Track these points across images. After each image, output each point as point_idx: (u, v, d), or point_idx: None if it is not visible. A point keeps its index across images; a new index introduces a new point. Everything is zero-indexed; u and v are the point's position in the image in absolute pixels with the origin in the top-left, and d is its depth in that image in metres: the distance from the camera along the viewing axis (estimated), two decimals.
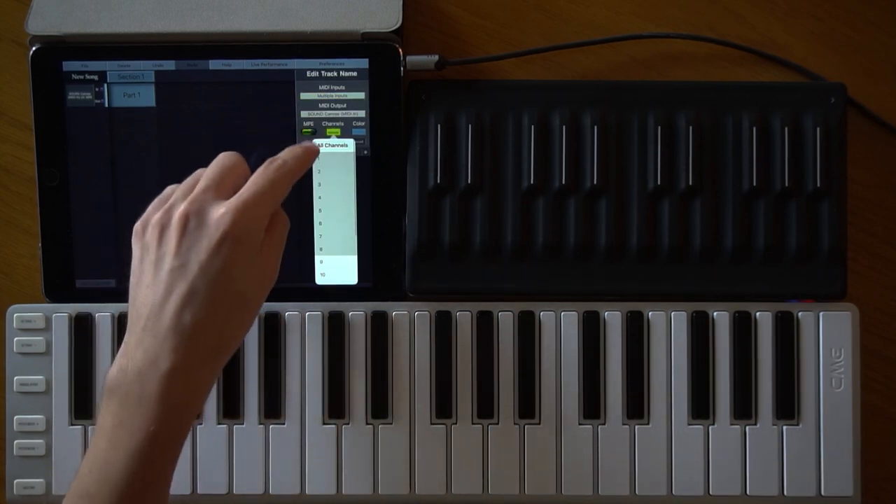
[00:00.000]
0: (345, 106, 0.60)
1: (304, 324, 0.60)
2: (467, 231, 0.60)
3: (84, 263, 0.60)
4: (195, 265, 0.48)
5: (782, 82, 0.62)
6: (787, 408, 0.59)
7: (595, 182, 0.59)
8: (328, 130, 0.60)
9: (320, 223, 0.60)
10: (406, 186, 0.60)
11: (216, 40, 0.59)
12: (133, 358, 0.47)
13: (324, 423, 0.59)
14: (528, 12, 0.63)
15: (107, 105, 0.60)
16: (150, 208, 0.51)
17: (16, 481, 0.59)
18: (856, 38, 0.62)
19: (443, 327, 0.59)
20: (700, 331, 0.59)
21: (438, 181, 0.59)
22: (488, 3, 0.63)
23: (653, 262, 0.60)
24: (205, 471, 0.59)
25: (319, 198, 0.60)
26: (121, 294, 0.54)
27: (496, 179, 0.60)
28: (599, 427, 0.59)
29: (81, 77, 0.59)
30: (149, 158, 0.60)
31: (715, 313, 0.60)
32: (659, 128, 0.59)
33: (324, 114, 0.60)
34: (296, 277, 0.60)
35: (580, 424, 0.59)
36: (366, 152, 0.60)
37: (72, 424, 0.59)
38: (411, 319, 0.60)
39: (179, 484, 0.59)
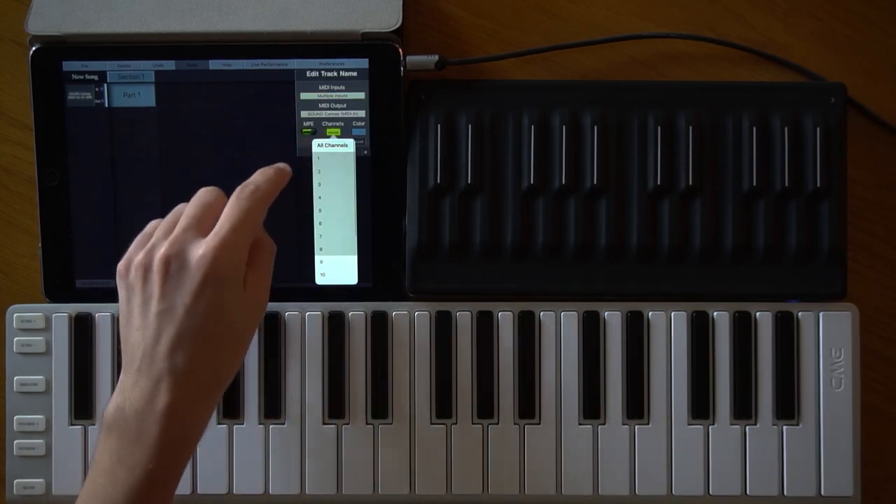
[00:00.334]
0: (345, 106, 0.60)
1: (304, 324, 0.60)
2: (467, 231, 0.60)
3: (84, 263, 0.60)
4: (181, 308, 0.48)
5: (782, 82, 0.62)
6: (787, 408, 0.59)
7: (595, 182, 0.59)
8: (328, 130, 0.60)
9: (320, 223, 0.60)
10: (406, 186, 0.60)
11: (216, 40, 0.59)
12: (130, 398, 0.48)
13: (324, 423, 0.59)
14: (528, 12, 0.63)
15: (107, 105, 0.60)
16: (132, 247, 0.52)
17: (16, 481, 0.59)
18: (856, 38, 0.62)
19: (443, 327, 0.59)
20: (700, 331, 0.59)
21: (438, 181, 0.59)
22: (488, 3, 0.63)
23: (653, 262, 0.59)
24: (205, 471, 0.59)
25: (319, 198, 0.60)
26: None
27: (496, 179, 0.60)
28: (599, 427, 0.59)
29: (81, 77, 0.59)
30: (149, 158, 0.60)
31: (715, 313, 0.60)
32: (659, 128, 0.59)
33: (324, 114, 0.60)
34: (296, 277, 0.60)
35: (580, 424, 0.59)
36: (366, 152, 0.60)
37: (72, 424, 0.59)
38: (411, 319, 0.60)
39: (180, 484, 0.58)
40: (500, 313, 0.60)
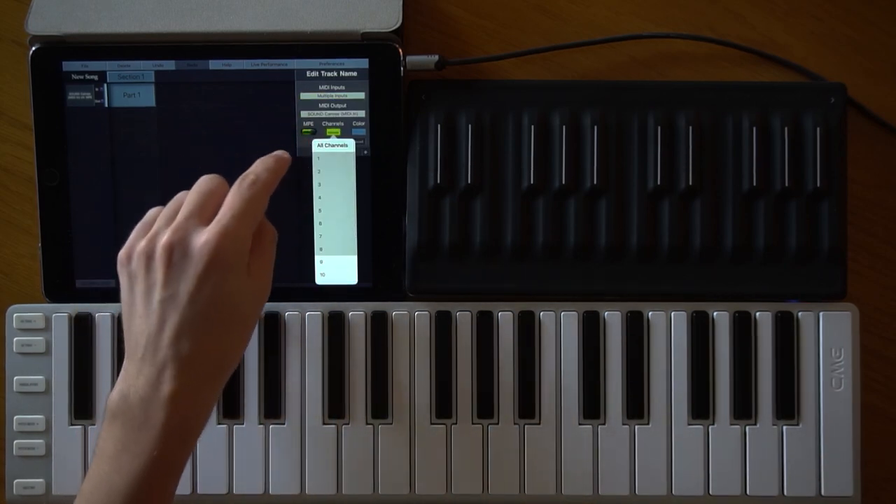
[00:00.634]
0: (345, 106, 0.60)
1: (304, 324, 0.60)
2: (467, 231, 0.60)
3: (84, 263, 0.60)
4: (184, 295, 0.48)
5: (782, 82, 0.62)
6: (787, 408, 0.59)
7: (595, 182, 0.59)
8: (328, 130, 0.60)
9: (320, 223, 0.60)
10: (406, 186, 0.60)
11: (216, 40, 0.59)
12: (134, 385, 0.48)
13: (324, 423, 0.59)
14: (528, 12, 0.63)
15: (107, 105, 0.60)
16: (133, 235, 0.51)
17: (16, 481, 0.59)
18: (856, 38, 0.62)
19: (443, 327, 0.59)
20: (700, 331, 0.59)
21: (438, 181, 0.59)
22: (488, 3, 0.63)
23: (653, 262, 0.59)
24: (205, 471, 0.59)
25: (319, 198, 0.60)
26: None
27: (496, 179, 0.60)
28: (599, 427, 0.59)
29: (81, 77, 0.59)
30: (149, 158, 0.60)
31: (715, 313, 0.60)
32: (659, 128, 0.59)
33: (324, 114, 0.60)
34: (296, 277, 0.60)
35: (580, 424, 0.59)
36: (366, 152, 0.60)
37: (72, 424, 0.59)
38: (411, 319, 0.60)
39: (179, 484, 0.58)
40: (500, 313, 0.60)
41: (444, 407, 0.59)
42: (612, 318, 0.59)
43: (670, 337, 0.59)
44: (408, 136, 0.60)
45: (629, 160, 0.60)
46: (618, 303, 0.60)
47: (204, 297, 0.48)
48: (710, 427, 0.59)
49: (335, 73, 0.59)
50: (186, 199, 0.51)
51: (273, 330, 0.59)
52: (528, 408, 0.59)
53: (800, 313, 0.59)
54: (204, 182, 0.52)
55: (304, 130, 0.60)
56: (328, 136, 0.60)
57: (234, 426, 0.59)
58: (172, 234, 0.49)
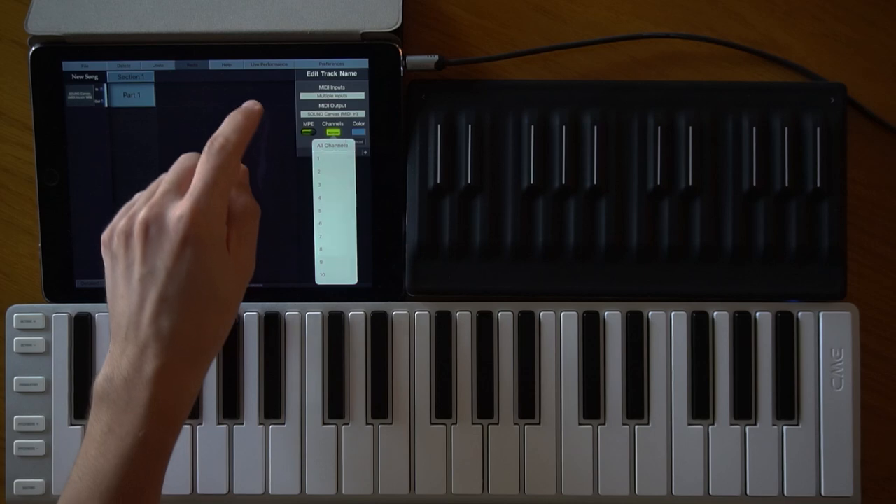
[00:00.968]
0: (345, 106, 0.60)
1: (304, 324, 0.60)
2: (467, 231, 0.60)
3: (84, 263, 0.60)
4: (162, 271, 0.48)
5: (782, 82, 0.62)
6: (786, 408, 0.59)
7: (595, 182, 0.59)
8: (328, 130, 0.60)
9: (320, 223, 0.60)
10: (406, 186, 0.60)
11: (216, 40, 0.59)
12: (118, 367, 0.48)
13: (324, 423, 0.59)
14: (528, 12, 0.63)
15: (107, 105, 0.60)
16: (116, 217, 0.51)
17: (16, 481, 0.59)
18: (856, 38, 0.62)
19: (443, 327, 0.59)
20: (700, 331, 0.59)
21: (438, 181, 0.59)
22: (488, 3, 0.63)
23: (653, 262, 0.59)
24: (205, 471, 0.59)
25: (319, 198, 0.60)
26: None
27: (496, 179, 0.60)
28: (599, 427, 0.59)
29: (81, 77, 0.59)
30: (149, 158, 0.60)
31: (715, 313, 0.60)
32: (659, 128, 0.59)
33: (324, 114, 0.60)
34: (296, 277, 0.60)
35: (580, 424, 0.59)
36: (366, 152, 0.60)
37: (72, 424, 0.59)
38: (411, 319, 0.60)
39: (179, 484, 0.59)
40: (500, 313, 0.60)
41: (444, 407, 0.59)
42: (612, 318, 0.59)
43: (670, 337, 0.59)
44: (408, 136, 0.60)
45: (629, 160, 0.60)
46: (618, 303, 0.60)
47: (182, 272, 0.48)
48: (710, 427, 0.59)
49: (335, 73, 0.59)
50: (164, 177, 0.51)
51: (273, 330, 0.59)
52: (527, 408, 0.59)
53: (800, 313, 0.59)
54: (182, 159, 0.52)
55: (304, 130, 0.60)
56: (328, 137, 0.60)
57: (234, 426, 0.59)
58: (148, 210, 0.49)
